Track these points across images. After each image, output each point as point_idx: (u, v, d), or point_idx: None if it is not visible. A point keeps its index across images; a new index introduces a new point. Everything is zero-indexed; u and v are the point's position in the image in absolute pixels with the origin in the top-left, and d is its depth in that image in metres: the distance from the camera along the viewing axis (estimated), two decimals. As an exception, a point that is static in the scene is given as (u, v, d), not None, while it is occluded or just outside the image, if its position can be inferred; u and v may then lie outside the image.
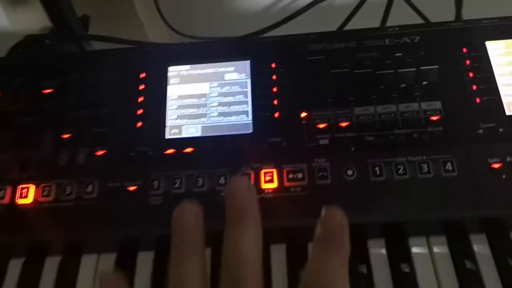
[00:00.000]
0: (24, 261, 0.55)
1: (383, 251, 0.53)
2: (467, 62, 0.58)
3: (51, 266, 0.55)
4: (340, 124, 0.57)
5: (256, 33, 0.74)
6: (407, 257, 0.52)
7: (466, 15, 0.74)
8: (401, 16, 0.76)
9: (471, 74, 0.58)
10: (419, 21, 0.77)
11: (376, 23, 0.76)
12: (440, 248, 0.52)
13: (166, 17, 0.89)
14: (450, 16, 0.75)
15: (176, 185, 0.54)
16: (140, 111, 0.59)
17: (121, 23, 0.90)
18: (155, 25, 0.92)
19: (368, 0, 0.76)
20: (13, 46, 0.74)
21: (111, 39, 0.76)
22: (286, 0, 0.98)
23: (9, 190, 0.55)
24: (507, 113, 0.55)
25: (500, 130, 0.54)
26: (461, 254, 0.52)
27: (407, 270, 0.51)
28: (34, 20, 0.80)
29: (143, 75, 0.62)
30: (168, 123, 0.59)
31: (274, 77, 0.60)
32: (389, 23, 0.76)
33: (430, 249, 0.53)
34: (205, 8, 0.97)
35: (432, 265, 0.51)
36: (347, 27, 0.76)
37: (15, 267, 0.55)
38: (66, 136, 0.58)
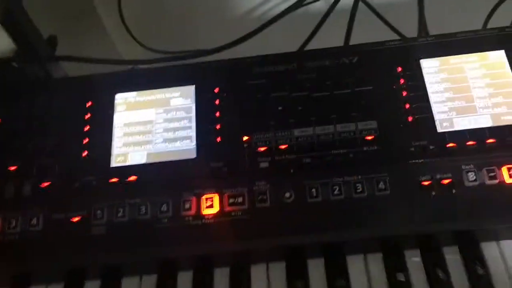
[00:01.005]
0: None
1: (322, 270, 0.54)
2: (402, 80, 0.60)
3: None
4: (280, 147, 0.58)
5: (223, 47, 0.77)
6: (345, 274, 0.53)
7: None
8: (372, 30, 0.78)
9: (404, 93, 0.59)
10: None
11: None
12: (376, 265, 0.53)
13: (135, 32, 0.90)
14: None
15: (120, 214, 0.56)
16: (85, 140, 0.60)
17: (92, 41, 0.90)
18: (126, 42, 0.92)
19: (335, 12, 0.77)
20: None
21: (79, 59, 0.77)
22: (257, 12, 0.98)
23: None
24: (439, 130, 0.57)
25: (431, 147, 0.56)
26: (395, 268, 0.53)
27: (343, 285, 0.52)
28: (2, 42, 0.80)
29: (89, 103, 0.63)
30: (114, 151, 0.60)
31: (217, 101, 0.61)
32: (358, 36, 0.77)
33: (367, 266, 0.54)
34: (175, 23, 0.99)
35: (367, 280, 0.53)
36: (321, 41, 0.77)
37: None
38: (12, 168, 0.59)
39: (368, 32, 0.81)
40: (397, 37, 0.80)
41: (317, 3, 0.89)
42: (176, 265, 0.56)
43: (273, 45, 0.72)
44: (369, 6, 0.84)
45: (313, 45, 0.77)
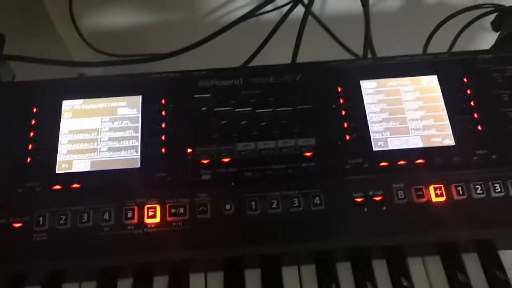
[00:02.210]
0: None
1: (259, 281, 0.58)
2: (341, 100, 0.64)
3: None
4: (222, 160, 0.61)
5: (173, 53, 0.78)
6: (280, 286, 0.57)
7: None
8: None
9: (344, 112, 0.63)
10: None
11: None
12: (310, 277, 0.57)
13: (86, 35, 0.90)
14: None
15: (62, 221, 0.57)
16: (30, 146, 0.61)
17: (43, 44, 0.90)
18: (76, 44, 0.93)
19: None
20: None
21: (27, 59, 0.76)
22: (210, 18, 1.00)
23: None
24: (374, 149, 0.61)
25: (365, 165, 0.60)
26: (327, 281, 0.57)
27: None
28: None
29: (34, 109, 0.64)
30: (59, 158, 0.61)
31: (163, 112, 0.64)
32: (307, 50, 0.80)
33: (301, 279, 0.58)
34: (126, 27, 1.00)
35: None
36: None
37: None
38: None
39: (317, 46, 0.85)
40: (344, 55, 0.84)
41: (270, 14, 0.92)
42: (116, 273, 0.58)
43: (223, 53, 0.74)
44: (318, 20, 0.88)
45: (262, 56, 0.80)
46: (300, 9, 0.78)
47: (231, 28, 0.79)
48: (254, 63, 0.79)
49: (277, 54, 0.72)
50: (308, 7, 0.76)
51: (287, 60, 0.75)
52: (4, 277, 0.57)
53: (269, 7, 0.82)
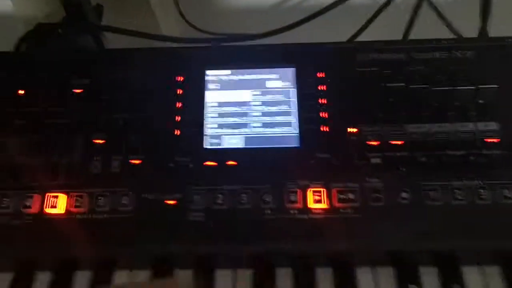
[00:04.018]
0: (52, 276, 0.53)
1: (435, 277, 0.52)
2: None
3: (80, 283, 0.53)
4: (391, 142, 0.55)
5: (273, 31, 0.74)
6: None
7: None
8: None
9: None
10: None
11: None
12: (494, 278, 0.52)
13: (183, 10, 0.87)
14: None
15: (219, 201, 0.52)
16: (178, 118, 0.57)
17: (133, 13, 0.87)
18: (168, 17, 0.90)
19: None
20: (24, 34, 0.72)
21: (126, 32, 0.74)
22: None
23: (37, 198, 0.52)
24: None
25: None
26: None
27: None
28: (39, 5, 0.76)
29: (180, 78, 0.60)
30: (208, 132, 0.57)
31: (322, 87, 0.58)
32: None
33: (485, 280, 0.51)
34: (221, 3, 0.96)
35: None
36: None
37: (41, 282, 0.52)
38: (98, 141, 0.56)
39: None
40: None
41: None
42: (275, 261, 0.53)
43: (319, 35, 0.69)
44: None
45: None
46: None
47: (332, 9, 0.75)
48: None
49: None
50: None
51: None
52: (153, 258, 0.51)
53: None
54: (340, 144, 0.56)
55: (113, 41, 0.77)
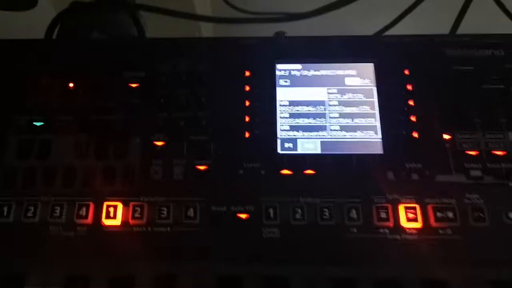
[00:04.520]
0: None
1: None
2: None
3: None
4: (492, 152, 0.48)
5: (312, 12, 0.69)
6: None
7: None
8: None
9: None
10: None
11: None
12: None
13: None
14: None
15: (297, 216, 0.46)
16: (247, 118, 0.50)
17: None
18: None
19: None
20: (58, 14, 0.66)
21: (161, 10, 0.69)
22: None
23: (92, 207, 0.46)
24: None
25: None
26: None
27: None
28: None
29: (247, 73, 0.53)
30: (281, 134, 0.50)
31: (409, 86, 0.51)
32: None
33: None
34: None
35: None
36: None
37: None
38: (158, 143, 0.49)
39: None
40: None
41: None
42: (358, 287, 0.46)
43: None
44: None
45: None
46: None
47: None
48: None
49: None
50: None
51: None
52: (221, 277, 0.46)
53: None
54: (432, 152, 0.49)
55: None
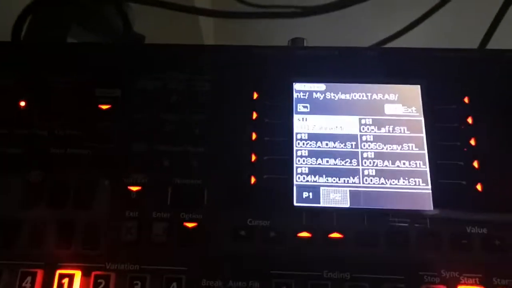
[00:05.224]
0: None
1: None
2: None
3: None
4: None
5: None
6: None
7: None
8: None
9: None
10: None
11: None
12: None
13: None
14: None
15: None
16: (253, 157, 0.38)
17: None
18: None
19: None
20: (29, 4, 0.55)
21: (155, 2, 0.60)
22: None
23: (39, 276, 0.34)
24: None
25: None
26: None
27: None
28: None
29: (255, 95, 0.40)
30: (297, 180, 0.38)
31: (469, 119, 0.38)
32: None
33: None
34: None
35: None
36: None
37: None
38: (134, 188, 0.37)
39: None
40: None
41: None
42: None
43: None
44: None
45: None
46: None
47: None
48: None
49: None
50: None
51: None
52: None
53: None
54: (504, 211, 0.36)
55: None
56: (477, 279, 0.36)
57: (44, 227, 0.38)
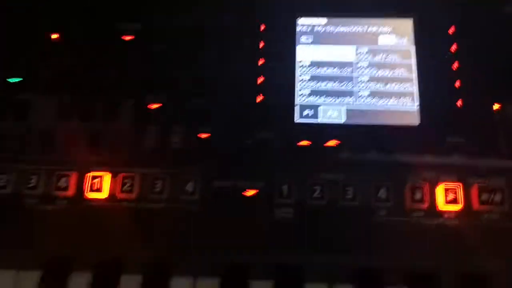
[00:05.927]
0: (91, 280, 0.42)
1: None
2: None
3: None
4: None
5: None
6: None
7: None
8: None
9: None
10: None
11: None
12: None
13: None
14: None
15: (316, 194, 0.41)
16: (260, 79, 0.45)
17: None
18: None
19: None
20: None
21: None
22: None
23: (74, 177, 0.41)
24: None
25: None
26: None
27: None
28: None
29: (262, 27, 0.47)
30: (299, 100, 0.45)
31: (453, 47, 0.45)
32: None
33: None
34: None
35: None
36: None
37: (77, 284, 0.41)
38: (154, 106, 0.44)
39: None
40: None
41: None
42: (385, 279, 0.41)
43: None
44: None
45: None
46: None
47: None
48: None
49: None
50: None
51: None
52: (223, 264, 0.42)
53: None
54: (480, 125, 0.43)
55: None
56: (455, 179, 0.42)
57: (77, 137, 0.45)
